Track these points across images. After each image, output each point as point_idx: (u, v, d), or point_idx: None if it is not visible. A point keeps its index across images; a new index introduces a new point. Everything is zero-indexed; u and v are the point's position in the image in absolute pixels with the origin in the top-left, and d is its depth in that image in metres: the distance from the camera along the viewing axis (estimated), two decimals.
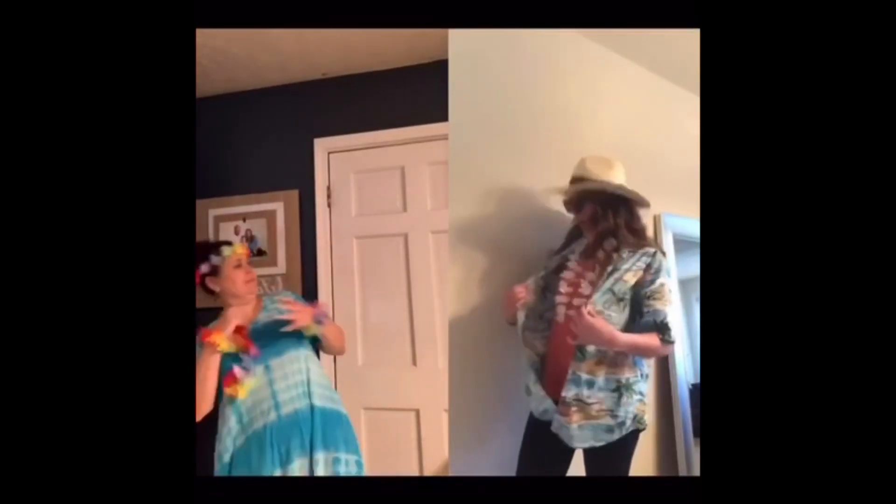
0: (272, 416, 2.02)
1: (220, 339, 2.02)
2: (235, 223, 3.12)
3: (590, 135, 2.40)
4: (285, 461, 1.94)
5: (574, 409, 1.85)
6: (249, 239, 3.08)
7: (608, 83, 2.60)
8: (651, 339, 1.84)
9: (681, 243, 2.64)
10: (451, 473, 2.05)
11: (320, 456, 1.98)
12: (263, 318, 2.19)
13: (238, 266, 2.21)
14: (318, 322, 2.16)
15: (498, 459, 2.03)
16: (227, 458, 2.01)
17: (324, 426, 2.05)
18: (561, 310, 1.98)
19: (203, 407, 2.00)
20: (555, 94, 2.38)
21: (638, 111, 2.67)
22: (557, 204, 2.12)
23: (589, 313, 1.73)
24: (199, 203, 3.15)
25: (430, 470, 2.76)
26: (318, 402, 2.08)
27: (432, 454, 2.78)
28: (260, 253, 3.06)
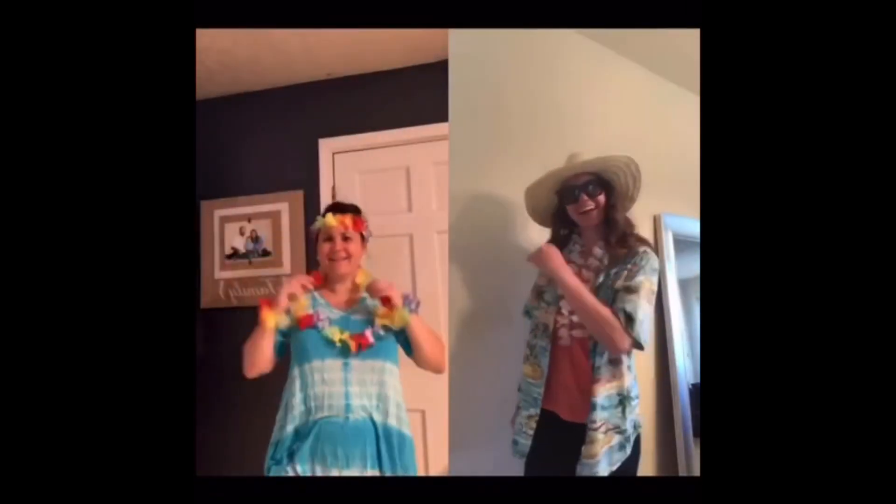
0: (342, 415, 1.94)
1: (269, 317, 1.95)
2: (241, 224, 3.13)
3: (590, 134, 2.40)
4: (346, 463, 1.88)
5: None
6: (255, 239, 3.09)
7: (608, 83, 2.60)
8: (610, 316, 1.72)
9: (681, 243, 2.64)
10: (450, 473, 2.05)
11: (376, 473, 1.92)
12: (357, 312, 2.09)
13: (328, 239, 2.10)
14: (409, 308, 2.01)
15: (498, 459, 2.03)
16: (289, 429, 1.94)
17: (398, 451, 1.96)
18: (564, 332, 1.88)
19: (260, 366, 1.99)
20: (555, 94, 2.38)
21: (638, 111, 2.67)
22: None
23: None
24: (205, 204, 3.16)
25: (436, 470, 2.76)
26: (393, 422, 1.99)
27: (437, 454, 2.78)
28: (265, 253, 3.06)
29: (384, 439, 1.96)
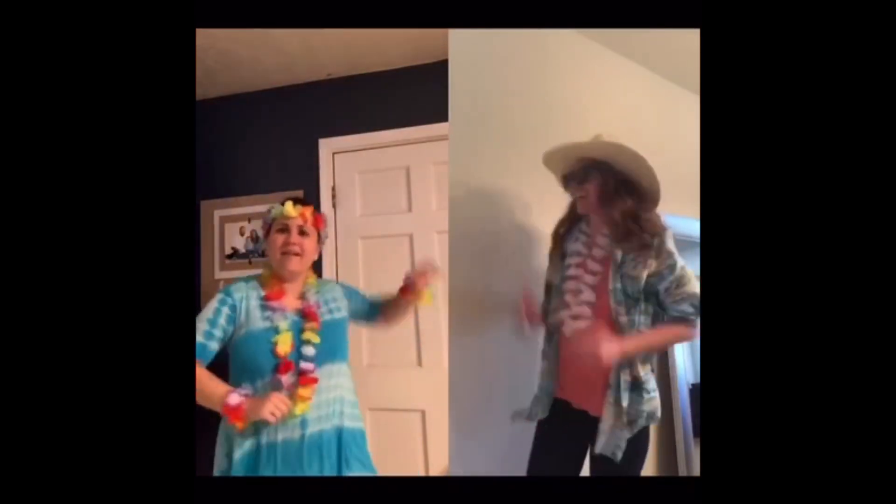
0: (296, 433, 1.75)
1: (240, 424, 1.69)
2: (241, 224, 3.13)
3: (590, 134, 2.39)
4: None
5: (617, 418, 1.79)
6: (255, 239, 3.09)
7: (608, 83, 2.60)
8: (672, 330, 1.79)
9: (681, 243, 2.62)
10: (450, 473, 2.05)
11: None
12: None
13: (282, 230, 1.90)
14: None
15: (498, 459, 2.03)
16: (236, 455, 1.73)
17: (347, 448, 1.81)
18: (569, 323, 1.86)
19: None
20: (555, 93, 2.39)
21: (638, 111, 2.67)
22: (558, 202, 2.09)
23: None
24: (205, 204, 3.16)
25: (436, 471, 2.76)
26: (347, 423, 1.84)
27: (438, 455, 2.78)
28: (265, 254, 3.06)
29: (342, 444, 1.81)
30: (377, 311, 2.17)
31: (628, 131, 2.52)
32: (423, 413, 2.82)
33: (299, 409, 1.73)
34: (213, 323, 1.83)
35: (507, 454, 2.01)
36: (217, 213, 3.16)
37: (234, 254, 3.11)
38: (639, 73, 2.74)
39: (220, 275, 3.12)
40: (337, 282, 2.15)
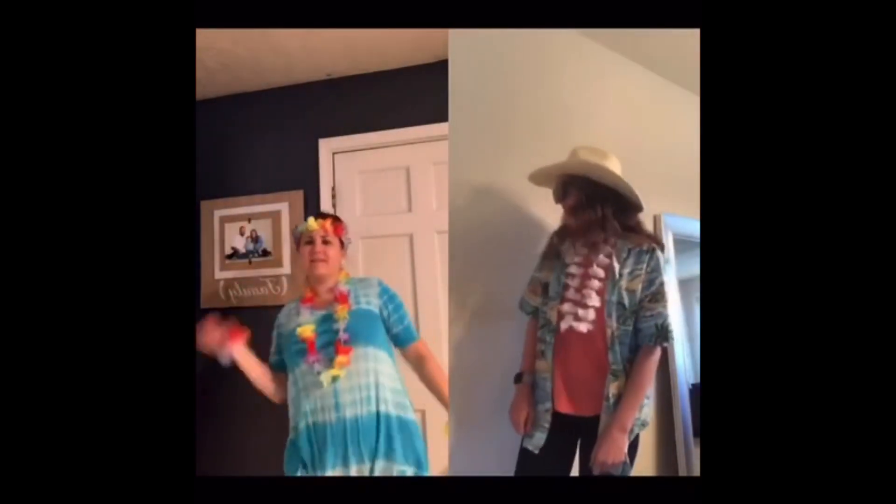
0: (332, 416, 1.99)
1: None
2: (241, 224, 3.12)
3: (590, 134, 2.39)
4: (344, 462, 1.94)
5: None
6: (255, 239, 3.09)
7: (608, 83, 2.59)
8: (644, 368, 1.81)
9: (681, 243, 2.63)
10: (450, 473, 2.05)
11: (381, 465, 1.97)
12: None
13: (308, 243, 2.23)
14: None
15: (498, 459, 2.03)
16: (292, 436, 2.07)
17: (392, 438, 2.02)
18: (569, 319, 1.88)
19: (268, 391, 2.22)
20: (555, 94, 2.38)
21: (638, 111, 2.66)
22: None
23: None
24: (205, 204, 3.16)
25: (436, 471, 2.75)
26: (386, 409, 2.04)
27: (438, 455, 2.77)
28: (265, 253, 3.06)
29: (384, 431, 2.00)
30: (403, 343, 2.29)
31: (628, 131, 2.53)
32: (422, 413, 2.81)
33: (335, 373, 2.00)
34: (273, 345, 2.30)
35: (507, 454, 2.00)
36: (217, 213, 3.16)
37: (234, 254, 3.11)
38: (639, 74, 2.73)
39: (220, 275, 3.11)
40: (378, 281, 2.33)
